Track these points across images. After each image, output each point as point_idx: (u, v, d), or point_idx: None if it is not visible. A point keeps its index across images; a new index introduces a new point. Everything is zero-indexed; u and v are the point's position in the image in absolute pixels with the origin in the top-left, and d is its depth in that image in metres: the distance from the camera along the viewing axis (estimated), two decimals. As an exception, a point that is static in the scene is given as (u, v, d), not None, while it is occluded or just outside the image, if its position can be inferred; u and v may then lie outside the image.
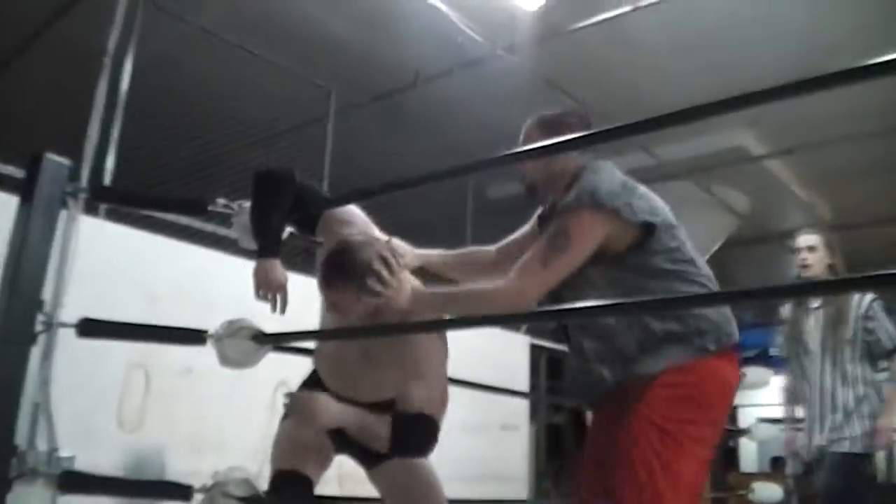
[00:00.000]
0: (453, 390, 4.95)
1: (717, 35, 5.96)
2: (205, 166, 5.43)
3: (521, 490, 6.14)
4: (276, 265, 2.46)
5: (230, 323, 2.38)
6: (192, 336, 2.45)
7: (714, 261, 9.51)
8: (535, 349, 6.89)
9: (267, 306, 2.49)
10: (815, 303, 4.04)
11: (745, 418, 14.71)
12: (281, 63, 5.51)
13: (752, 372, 5.85)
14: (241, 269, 4.29)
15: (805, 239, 4.05)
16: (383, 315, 2.34)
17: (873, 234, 9.60)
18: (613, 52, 6.12)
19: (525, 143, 2.45)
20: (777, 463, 13.02)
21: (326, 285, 2.29)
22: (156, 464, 3.97)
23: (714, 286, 2.34)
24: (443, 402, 2.40)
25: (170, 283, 4.11)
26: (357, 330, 2.53)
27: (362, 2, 5.51)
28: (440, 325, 2.59)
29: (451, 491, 4.87)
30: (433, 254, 2.75)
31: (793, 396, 4.34)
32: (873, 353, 3.88)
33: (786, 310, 4.26)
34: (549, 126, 2.41)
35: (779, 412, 12.95)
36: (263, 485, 2.49)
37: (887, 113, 6.81)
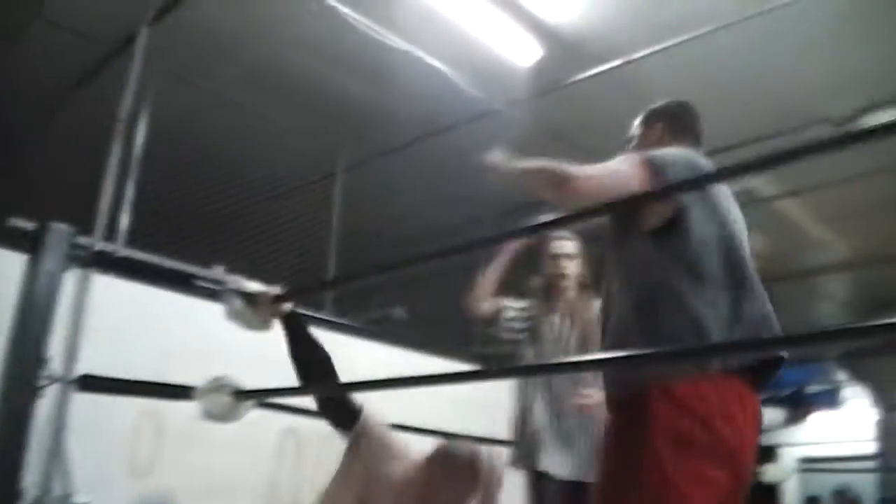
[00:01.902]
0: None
1: (718, 76, 6.06)
2: (220, 222, 5.66)
3: None
4: None
5: (213, 379, 2.53)
6: (181, 392, 2.63)
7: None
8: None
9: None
10: (559, 308, 3.82)
11: (786, 458, 14.67)
12: (288, 121, 5.73)
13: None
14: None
15: (563, 245, 3.85)
16: None
17: (896, 270, 9.53)
18: (615, 99, 6.23)
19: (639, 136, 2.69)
20: (813, 503, 12.89)
21: None
22: (166, 509, 4.17)
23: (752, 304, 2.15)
24: None
25: (179, 339, 4.32)
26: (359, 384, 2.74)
27: (367, 61, 5.70)
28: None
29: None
30: None
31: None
32: None
33: (516, 309, 3.93)
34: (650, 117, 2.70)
35: (823, 450, 12.91)
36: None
37: (893, 149, 6.88)
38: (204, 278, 2.68)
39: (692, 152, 2.40)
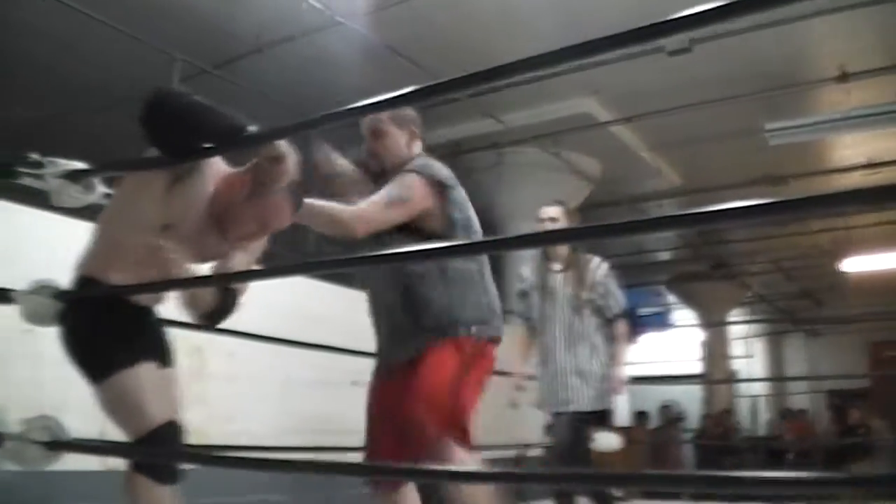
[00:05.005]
0: (303, 352, 5.13)
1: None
2: (50, 129, 5.41)
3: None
4: None
5: (35, 281, 2.47)
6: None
7: (572, 223, 9.89)
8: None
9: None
10: (557, 266, 4.34)
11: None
12: (126, 30, 5.49)
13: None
14: (65, 228, 4.34)
15: (547, 211, 4.28)
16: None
17: (722, 197, 9.98)
18: (455, 19, 6.24)
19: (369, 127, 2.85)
20: (641, 416, 13.66)
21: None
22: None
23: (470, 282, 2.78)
24: None
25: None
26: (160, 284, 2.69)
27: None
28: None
29: (295, 440, 5.04)
30: None
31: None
32: (603, 317, 4.27)
33: (527, 271, 4.50)
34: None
35: (652, 369, 13.65)
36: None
37: (721, 82, 7.19)
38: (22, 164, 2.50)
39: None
